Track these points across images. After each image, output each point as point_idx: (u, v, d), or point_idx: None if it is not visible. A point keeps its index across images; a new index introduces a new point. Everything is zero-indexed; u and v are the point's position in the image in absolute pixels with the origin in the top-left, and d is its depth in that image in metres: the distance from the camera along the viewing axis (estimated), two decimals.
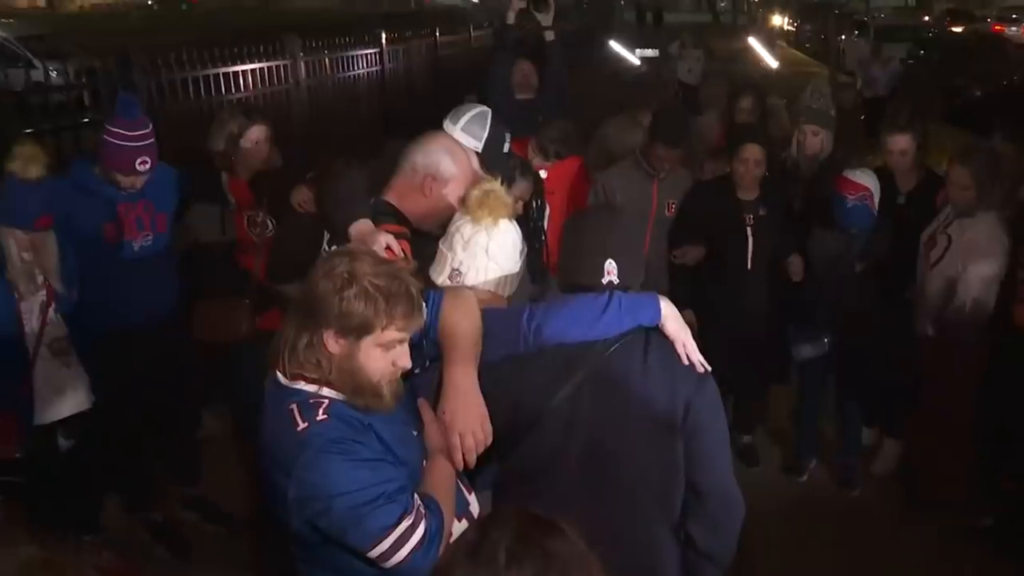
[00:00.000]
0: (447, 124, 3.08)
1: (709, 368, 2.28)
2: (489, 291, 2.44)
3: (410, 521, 1.91)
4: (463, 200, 2.53)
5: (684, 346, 2.25)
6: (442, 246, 2.50)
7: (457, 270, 2.44)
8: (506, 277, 2.47)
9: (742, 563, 2.53)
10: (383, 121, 9.12)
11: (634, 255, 2.38)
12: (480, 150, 3.02)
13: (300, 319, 1.99)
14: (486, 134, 3.05)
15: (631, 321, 2.23)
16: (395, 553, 1.90)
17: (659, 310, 2.25)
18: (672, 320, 2.27)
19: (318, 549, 1.99)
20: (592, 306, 2.22)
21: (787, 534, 4.29)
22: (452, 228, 2.49)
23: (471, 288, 2.41)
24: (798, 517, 4.48)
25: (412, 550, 1.90)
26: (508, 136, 3.13)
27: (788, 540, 4.24)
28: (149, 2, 60.51)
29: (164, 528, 4.29)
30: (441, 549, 1.94)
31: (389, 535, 1.89)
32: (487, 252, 2.42)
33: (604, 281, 2.28)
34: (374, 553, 1.90)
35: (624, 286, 2.30)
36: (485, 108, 3.14)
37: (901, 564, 4.16)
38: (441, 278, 2.45)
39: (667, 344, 2.26)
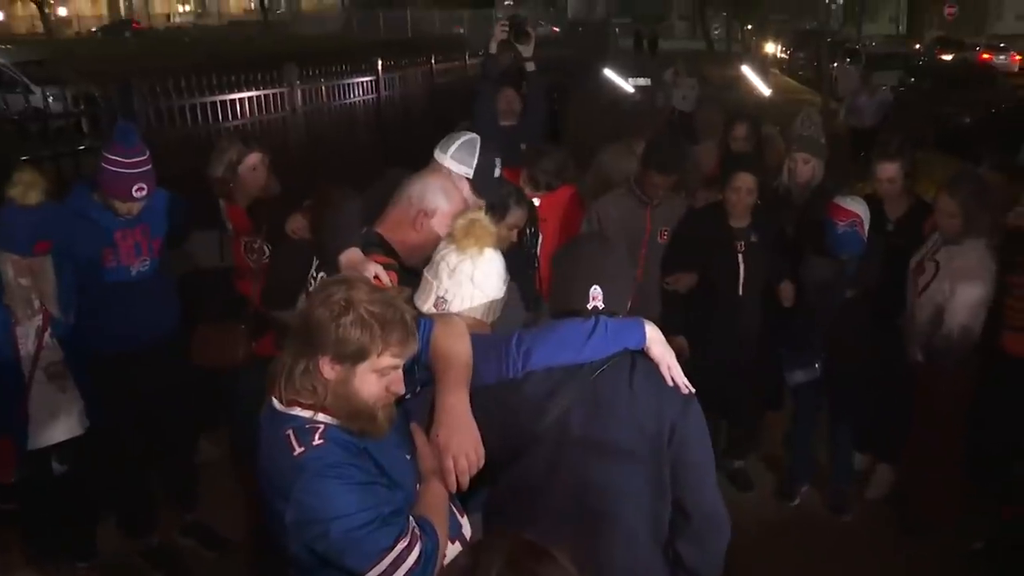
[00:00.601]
0: (438, 153, 3.14)
1: (693, 390, 2.33)
2: (474, 318, 2.49)
3: (406, 543, 1.94)
4: (449, 229, 2.58)
5: (669, 368, 2.31)
6: (427, 274, 2.55)
7: (442, 298, 2.49)
8: (490, 304, 2.53)
9: None
10: (379, 148, 9.18)
11: (620, 281, 2.43)
12: (471, 176, 3.09)
13: (297, 346, 2.03)
14: (476, 161, 3.11)
15: (617, 345, 2.28)
16: (392, 575, 1.93)
17: (644, 334, 2.31)
18: (657, 343, 2.32)
19: (316, 572, 2.02)
20: (579, 331, 2.28)
21: (779, 558, 4.31)
22: (437, 257, 2.54)
23: (456, 315, 2.45)
24: (790, 542, 4.51)
25: (408, 571, 1.93)
26: (498, 162, 3.19)
27: (780, 564, 4.26)
28: (93, 29, 60.17)
29: (161, 554, 4.30)
30: (436, 571, 1.97)
31: (386, 557, 1.92)
32: (472, 280, 2.48)
33: (589, 306, 2.35)
34: (371, 575, 1.93)
35: (610, 311, 2.35)
36: (475, 135, 3.20)
37: None
38: (426, 306, 2.50)
39: (652, 367, 2.31)
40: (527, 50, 5.86)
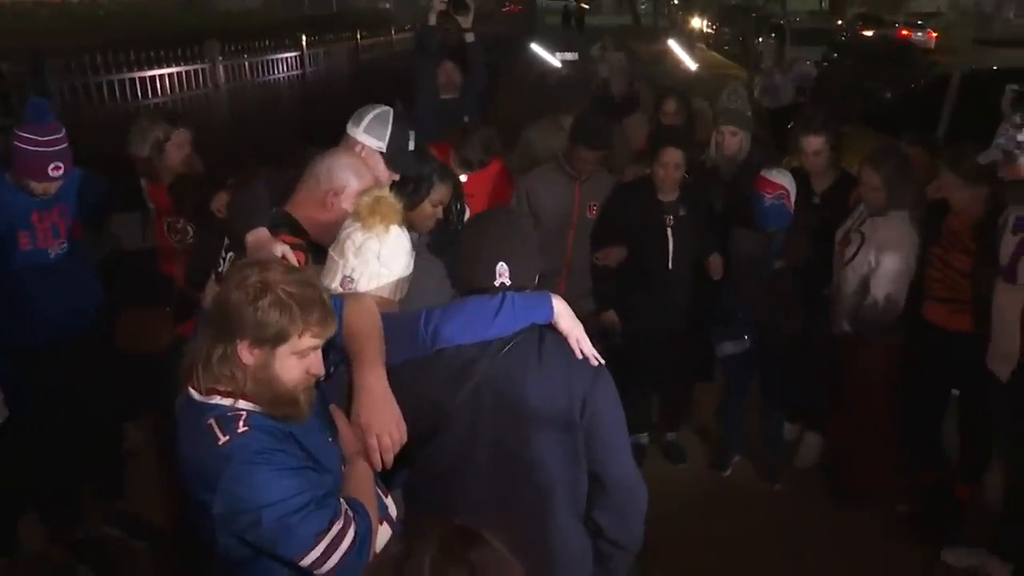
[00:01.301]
0: (350, 127, 3.10)
1: (603, 361, 2.35)
2: (382, 296, 2.46)
3: (340, 525, 1.91)
4: (354, 207, 2.54)
5: (577, 341, 2.31)
6: (332, 253, 2.51)
7: (349, 277, 2.45)
8: (398, 281, 2.50)
9: (654, 556, 2.58)
10: (304, 125, 9.05)
11: (527, 257, 2.41)
12: (384, 150, 3.05)
13: (213, 332, 1.97)
14: (388, 133, 3.07)
15: (525, 320, 2.28)
16: (328, 559, 1.90)
17: (552, 308, 2.31)
18: (565, 317, 2.32)
19: (246, 564, 1.97)
20: (486, 307, 2.26)
21: (712, 528, 4.38)
22: (342, 235, 2.50)
23: (364, 294, 2.43)
24: (722, 511, 4.59)
25: (344, 554, 1.91)
26: (412, 134, 3.16)
27: (713, 534, 4.33)
28: None
29: (87, 546, 4.17)
30: (370, 551, 1.94)
31: (321, 541, 1.89)
32: (379, 258, 2.45)
33: (497, 283, 2.33)
34: (307, 561, 1.89)
35: (517, 287, 2.34)
36: (387, 108, 3.16)
37: (822, 554, 4.26)
38: (333, 285, 2.46)
39: (561, 340, 2.32)
40: (466, 21, 5.88)
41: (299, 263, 2.53)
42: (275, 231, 2.63)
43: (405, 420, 2.20)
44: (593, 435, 2.30)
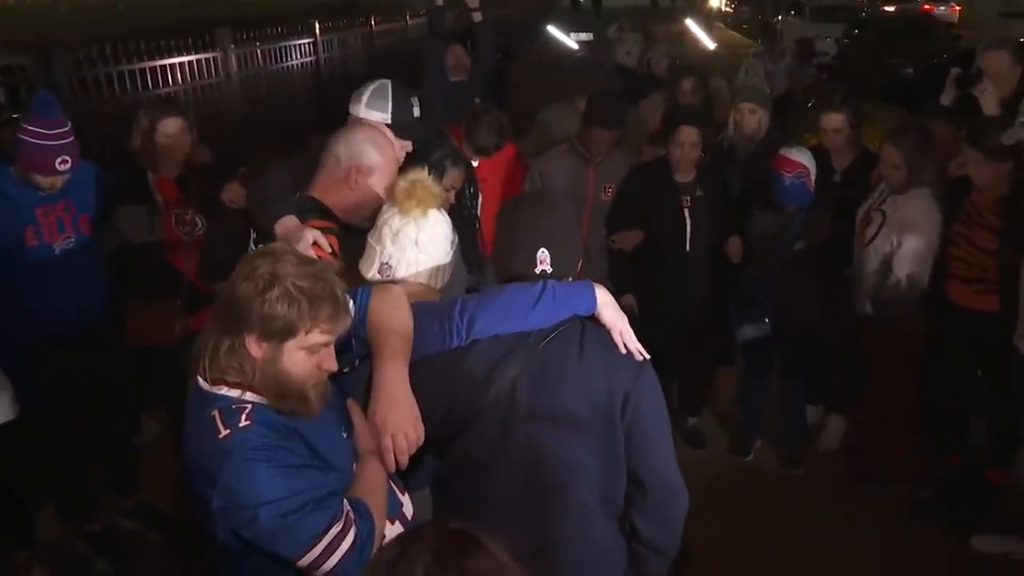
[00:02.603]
0: (352, 107, 3.10)
1: (648, 356, 2.23)
2: (421, 283, 2.38)
3: (340, 527, 1.86)
4: (390, 192, 2.46)
5: (621, 334, 2.20)
6: (370, 239, 2.44)
7: (387, 263, 2.38)
8: (437, 268, 2.41)
9: (685, 548, 2.51)
10: (319, 112, 9.01)
11: (567, 243, 2.31)
12: (389, 121, 3.03)
13: (221, 323, 1.91)
14: (390, 104, 3.06)
15: (566, 311, 2.17)
16: (326, 561, 1.84)
17: (595, 298, 2.20)
18: (608, 308, 2.21)
19: (246, 560, 1.92)
20: (525, 296, 2.16)
21: (734, 514, 4.31)
22: (380, 221, 2.43)
23: (402, 281, 2.35)
24: (744, 496, 4.53)
25: (343, 557, 1.85)
26: (415, 101, 3.15)
27: (735, 520, 4.26)
28: None
29: (104, 539, 4.17)
30: (372, 554, 1.89)
31: (319, 543, 1.83)
32: (417, 244, 2.36)
33: (537, 270, 2.23)
34: (304, 561, 1.84)
35: (558, 275, 2.24)
36: (385, 81, 3.14)
37: (845, 539, 4.20)
38: (371, 272, 2.39)
39: (603, 333, 2.20)
40: (473, 1, 5.85)
41: (332, 248, 2.48)
42: (304, 217, 2.58)
43: (434, 414, 2.11)
44: (634, 433, 2.19)
